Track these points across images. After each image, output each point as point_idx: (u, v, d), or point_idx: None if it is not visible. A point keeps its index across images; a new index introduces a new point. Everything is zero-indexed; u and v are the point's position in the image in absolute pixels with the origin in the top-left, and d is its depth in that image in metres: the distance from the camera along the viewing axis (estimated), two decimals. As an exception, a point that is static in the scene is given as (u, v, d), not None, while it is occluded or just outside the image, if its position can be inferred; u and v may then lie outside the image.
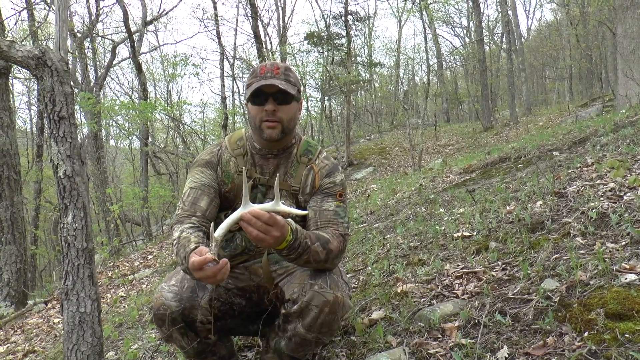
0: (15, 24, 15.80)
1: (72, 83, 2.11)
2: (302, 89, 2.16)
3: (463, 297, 2.44)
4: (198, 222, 1.97)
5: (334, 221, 1.99)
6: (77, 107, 13.77)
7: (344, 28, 20.58)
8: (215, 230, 1.57)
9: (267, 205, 1.57)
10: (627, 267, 2.12)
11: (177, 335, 1.99)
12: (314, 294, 1.85)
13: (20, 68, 15.07)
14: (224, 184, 2.07)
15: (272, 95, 1.93)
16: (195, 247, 1.71)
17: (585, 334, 1.76)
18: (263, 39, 17.32)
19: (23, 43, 2.07)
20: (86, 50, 16.71)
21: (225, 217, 2.07)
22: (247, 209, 1.56)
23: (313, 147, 2.15)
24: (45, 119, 2.03)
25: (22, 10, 10.89)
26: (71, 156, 1.99)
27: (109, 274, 7.81)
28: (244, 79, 21.46)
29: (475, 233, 3.36)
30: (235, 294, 2.13)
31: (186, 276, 2.01)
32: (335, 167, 2.13)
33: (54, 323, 5.31)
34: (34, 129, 18.59)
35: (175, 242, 1.88)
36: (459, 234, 3.41)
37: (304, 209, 2.07)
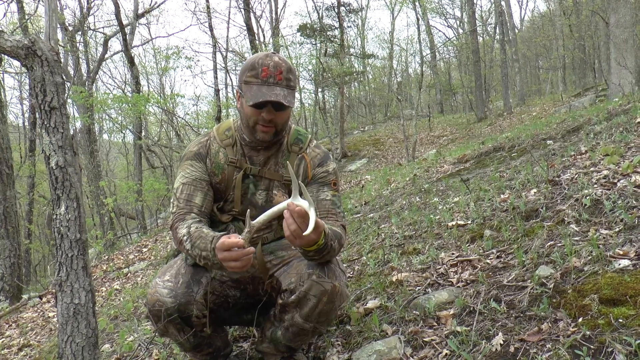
0: (4, 16, 15.64)
1: (63, 76, 2.09)
2: (298, 83, 2.13)
3: (458, 285, 2.44)
4: (199, 218, 1.96)
5: (332, 211, 1.99)
6: (69, 100, 13.69)
7: (337, 19, 20.52)
8: (251, 218, 1.61)
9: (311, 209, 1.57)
10: (621, 252, 2.13)
11: (173, 330, 1.98)
12: (312, 284, 1.84)
13: (11, 62, 14.96)
14: (214, 175, 2.05)
15: (271, 102, 1.87)
16: (223, 234, 1.73)
17: (580, 320, 1.77)
18: (256, 31, 17.25)
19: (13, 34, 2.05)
20: (78, 44, 16.58)
21: (218, 209, 2.07)
22: (295, 201, 1.57)
23: (303, 136, 2.12)
24: (36, 110, 2.01)
25: (11, 1, 10.75)
26: (63, 147, 1.97)
27: (104, 267, 7.79)
28: (237, 72, 21.31)
29: (469, 222, 3.37)
30: (230, 286, 2.12)
31: (180, 271, 2.00)
32: (327, 155, 2.12)
33: (48, 317, 5.29)
34: (26, 123, 18.48)
35: (185, 237, 1.85)
36: (454, 223, 3.42)
37: None
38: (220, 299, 2.11)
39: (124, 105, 13.84)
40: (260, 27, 21.57)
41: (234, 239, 1.62)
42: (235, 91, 2.13)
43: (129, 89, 20.74)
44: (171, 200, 2.04)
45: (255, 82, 1.88)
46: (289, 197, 2.04)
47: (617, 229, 2.38)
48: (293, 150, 2.08)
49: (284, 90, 1.87)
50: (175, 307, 1.92)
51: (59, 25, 14.30)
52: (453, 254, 2.87)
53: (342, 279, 1.92)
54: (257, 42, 17.15)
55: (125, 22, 16.35)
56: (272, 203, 2.04)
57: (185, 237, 1.85)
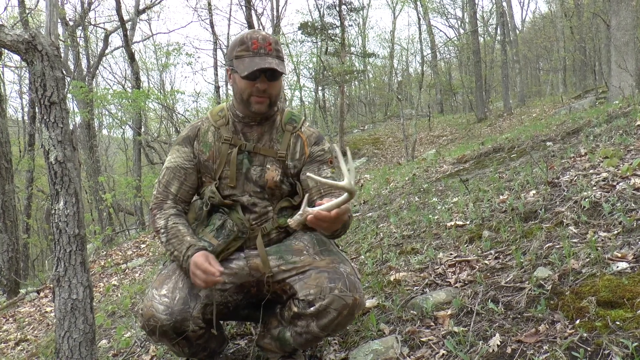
0: (4, 10, 15.61)
1: (64, 70, 2.09)
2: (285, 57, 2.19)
3: (456, 285, 2.44)
4: (175, 205, 2.08)
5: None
6: (69, 95, 13.66)
7: (338, 18, 20.52)
8: (307, 202, 1.64)
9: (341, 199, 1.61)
10: (619, 255, 2.13)
11: (168, 344, 1.99)
12: (334, 298, 1.85)
13: (11, 56, 14.93)
14: (202, 153, 2.10)
15: (264, 72, 1.94)
16: (202, 247, 1.93)
17: (577, 322, 1.77)
18: (257, 28, 17.21)
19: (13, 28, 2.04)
20: (78, 39, 16.55)
21: (217, 188, 2.07)
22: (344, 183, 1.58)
23: (297, 117, 2.18)
24: (36, 105, 2.01)
25: (12, -4, 10.73)
26: (62, 142, 1.97)
27: (102, 263, 7.77)
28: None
29: (468, 222, 3.37)
30: (233, 292, 2.07)
31: (178, 284, 1.98)
32: (321, 135, 2.18)
33: (46, 312, 5.29)
34: (25, 117, 18.44)
35: (162, 230, 1.98)
36: (452, 223, 3.42)
37: (294, 175, 2.12)
38: (219, 307, 2.08)
39: (123, 101, 13.77)
40: (261, 24, 21.50)
41: (209, 267, 1.82)
42: (226, 70, 2.17)
43: (129, 85, 20.69)
44: (155, 181, 2.14)
45: (247, 54, 1.94)
46: (282, 171, 2.08)
47: (616, 232, 2.38)
48: (287, 129, 2.13)
49: (275, 60, 1.95)
50: (170, 324, 1.91)
51: (59, 20, 14.28)
52: (451, 254, 2.87)
53: (361, 289, 1.94)
54: (258, 39, 17.08)
55: (126, 17, 16.30)
56: (265, 178, 2.07)
57: (162, 230, 1.99)
